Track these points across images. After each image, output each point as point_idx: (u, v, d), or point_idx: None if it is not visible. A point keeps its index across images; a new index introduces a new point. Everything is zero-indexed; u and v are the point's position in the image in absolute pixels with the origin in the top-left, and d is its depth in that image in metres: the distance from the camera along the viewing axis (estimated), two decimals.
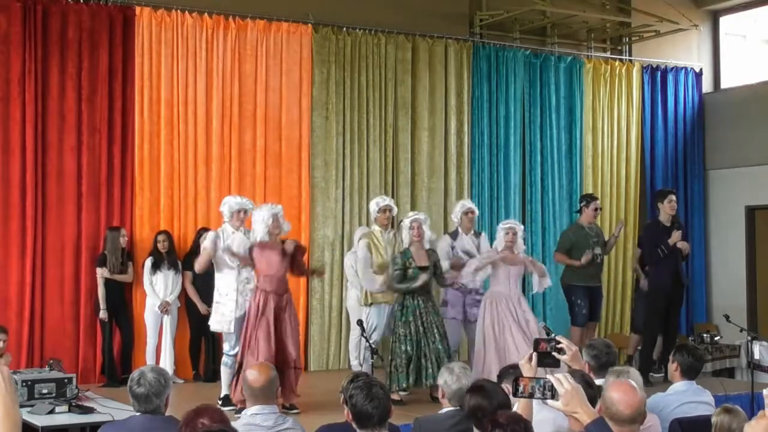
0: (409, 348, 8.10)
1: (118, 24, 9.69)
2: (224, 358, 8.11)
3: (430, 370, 8.00)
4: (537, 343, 4.22)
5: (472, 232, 9.25)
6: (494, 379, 5.31)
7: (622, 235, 11.47)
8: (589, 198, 9.99)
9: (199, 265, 8.22)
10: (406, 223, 8.43)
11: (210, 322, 8.31)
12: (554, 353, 4.11)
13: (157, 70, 9.81)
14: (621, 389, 3.72)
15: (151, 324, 9.32)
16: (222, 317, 8.06)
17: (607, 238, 10.16)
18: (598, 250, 9.71)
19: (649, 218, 11.27)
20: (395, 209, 9.09)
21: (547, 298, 11.60)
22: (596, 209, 9.84)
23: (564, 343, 4.23)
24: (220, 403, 7.91)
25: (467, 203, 9.44)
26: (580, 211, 9.95)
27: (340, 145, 10.73)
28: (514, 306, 8.51)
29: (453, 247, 9.08)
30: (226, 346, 8.12)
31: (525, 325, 8.44)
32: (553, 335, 7.41)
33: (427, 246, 8.37)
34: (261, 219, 7.75)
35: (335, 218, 10.62)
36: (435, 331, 8.15)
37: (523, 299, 8.75)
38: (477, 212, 9.45)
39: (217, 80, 10.08)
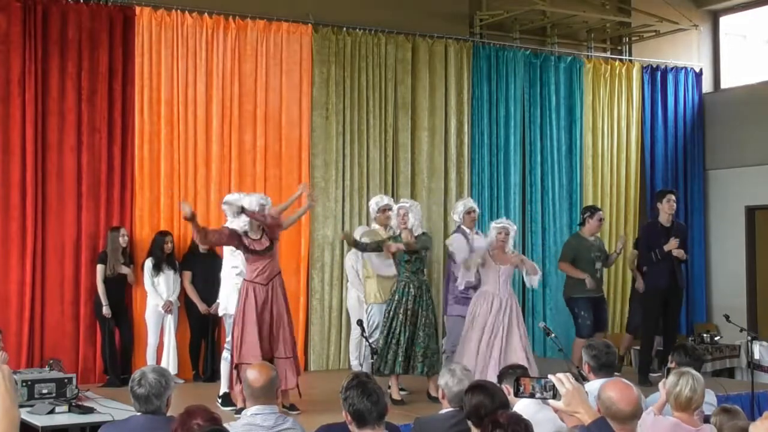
0: (386, 334, 8.10)
1: (118, 24, 9.69)
2: (225, 353, 8.05)
3: (400, 358, 7.98)
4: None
5: (474, 231, 9.18)
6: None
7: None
8: (593, 209, 9.92)
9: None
10: (393, 210, 8.50)
11: (219, 309, 8.41)
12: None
13: (157, 70, 9.80)
14: (617, 388, 3.74)
15: (152, 324, 9.30)
16: (226, 300, 8.18)
17: (609, 253, 10.10)
18: (598, 265, 9.70)
19: (649, 218, 11.25)
20: (395, 208, 9.07)
21: (547, 298, 11.60)
22: (600, 220, 9.78)
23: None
24: (219, 401, 7.90)
25: (469, 203, 9.32)
26: (582, 223, 9.87)
27: (340, 145, 10.73)
28: (502, 306, 8.39)
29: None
30: (228, 338, 8.06)
31: (503, 329, 8.33)
32: (553, 335, 7.44)
33: (417, 232, 8.20)
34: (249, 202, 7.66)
35: (335, 218, 10.61)
36: (420, 323, 8.09)
37: (514, 300, 8.58)
38: (478, 211, 9.39)
39: (217, 80, 10.07)
